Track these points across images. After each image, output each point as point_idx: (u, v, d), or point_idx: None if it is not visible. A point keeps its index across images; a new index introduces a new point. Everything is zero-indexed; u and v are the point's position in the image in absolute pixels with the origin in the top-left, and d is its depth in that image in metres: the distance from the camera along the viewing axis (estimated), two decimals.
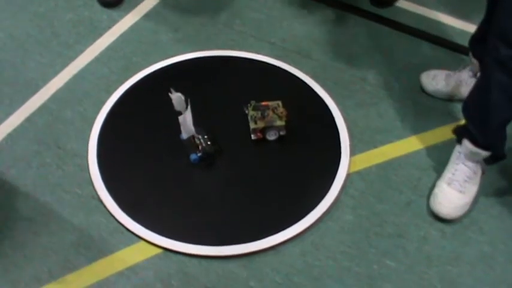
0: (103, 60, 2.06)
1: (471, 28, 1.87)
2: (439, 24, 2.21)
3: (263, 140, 1.79)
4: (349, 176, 1.72)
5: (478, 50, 1.74)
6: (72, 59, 2.06)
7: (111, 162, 1.74)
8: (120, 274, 1.51)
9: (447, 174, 1.66)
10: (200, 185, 1.70)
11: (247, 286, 1.50)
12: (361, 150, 1.80)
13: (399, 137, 1.84)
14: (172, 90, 1.62)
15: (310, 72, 2.01)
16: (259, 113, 1.76)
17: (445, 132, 1.82)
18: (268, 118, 1.75)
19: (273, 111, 1.77)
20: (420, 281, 1.52)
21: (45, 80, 1.98)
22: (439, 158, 1.76)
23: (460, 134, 1.66)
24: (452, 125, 1.75)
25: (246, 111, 1.79)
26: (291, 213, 1.62)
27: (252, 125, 1.76)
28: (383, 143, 1.82)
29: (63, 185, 1.70)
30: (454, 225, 1.62)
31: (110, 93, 1.93)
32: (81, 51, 2.08)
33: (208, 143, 1.73)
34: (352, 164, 1.75)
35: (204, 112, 1.77)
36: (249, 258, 1.55)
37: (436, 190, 1.64)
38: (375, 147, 1.81)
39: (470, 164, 1.64)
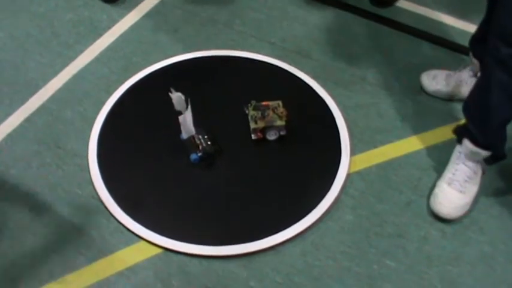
0: (103, 60, 2.06)
1: (471, 28, 1.87)
2: (439, 24, 2.21)
3: (263, 140, 1.78)
4: (349, 176, 1.72)
5: (478, 50, 1.74)
6: (72, 59, 2.06)
7: (111, 162, 1.74)
8: (120, 274, 1.51)
9: (447, 174, 1.66)
10: (200, 185, 1.69)
11: (248, 286, 1.50)
12: (361, 150, 1.80)
13: (399, 137, 1.84)
14: (172, 90, 1.62)
15: (310, 72, 2.01)
16: (260, 112, 1.76)
17: (445, 132, 1.82)
18: (268, 118, 1.75)
19: (273, 111, 1.76)
20: (420, 281, 1.52)
21: (45, 80, 1.98)
22: (439, 158, 1.75)
23: (461, 133, 1.66)
24: (453, 125, 1.75)
25: (246, 111, 1.79)
26: (291, 213, 1.62)
27: (252, 125, 1.76)
28: (383, 143, 1.82)
29: (63, 185, 1.70)
30: (455, 225, 1.62)
31: (109, 93, 1.93)
32: (81, 51, 2.08)
33: (209, 143, 1.73)
34: (352, 164, 1.75)
35: (204, 112, 1.77)
36: (249, 258, 1.55)
37: (437, 190, 1.64)
38: (375, 147, 1.81)
39: (470, 164, 1.64)
